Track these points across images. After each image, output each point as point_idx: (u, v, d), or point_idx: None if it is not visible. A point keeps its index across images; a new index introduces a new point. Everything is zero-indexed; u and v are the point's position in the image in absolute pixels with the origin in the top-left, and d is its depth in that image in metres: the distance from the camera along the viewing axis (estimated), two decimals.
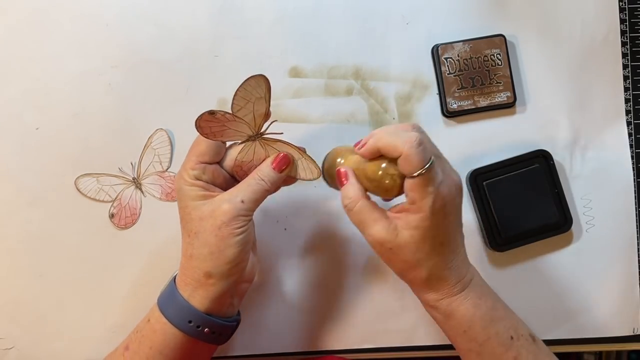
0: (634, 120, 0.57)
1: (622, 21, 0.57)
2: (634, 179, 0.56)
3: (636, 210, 0.57)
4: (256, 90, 0.45)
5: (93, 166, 0.55)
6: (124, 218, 0.55)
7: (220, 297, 0.44)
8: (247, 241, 0.44)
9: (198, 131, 0.43)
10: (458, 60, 0.55)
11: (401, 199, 0.43)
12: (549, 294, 0.56)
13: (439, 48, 0.55)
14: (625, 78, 0.57)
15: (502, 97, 0.55)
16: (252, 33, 0.56)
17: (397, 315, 0.56)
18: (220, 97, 0.55)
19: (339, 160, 0.46)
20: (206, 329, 0.44)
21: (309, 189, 0.55)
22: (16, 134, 0.55)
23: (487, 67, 0.55)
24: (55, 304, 0.55)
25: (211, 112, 0.43)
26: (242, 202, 0.43)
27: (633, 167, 0.57)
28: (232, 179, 0.46)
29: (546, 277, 0.56)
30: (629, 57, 0.57)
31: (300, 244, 0.56)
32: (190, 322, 0.43)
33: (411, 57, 0.56)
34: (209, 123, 0.43)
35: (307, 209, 0.55)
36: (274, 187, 0.45)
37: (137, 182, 0.55)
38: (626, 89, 0.57)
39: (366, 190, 0.44)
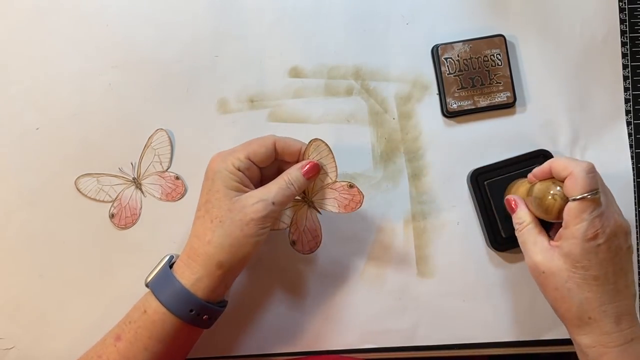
0: (634, 120, 0.57)
1: (622, 21, 0.57)
2: (634, 179, 0.56)
3: (636, 210, 0.57)
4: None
5: (93, 166, 0.55)
6: (124, 218, 0.55)
7: (220, 288, 0.45)
8: (263, 242, 0.45)
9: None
10: (458, 61, 0.55)
11: None
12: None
13: (439, 48, 0.55)
14: (625, 78, 0.57)
15: (502, 97, 0.55)
16: (252, 33, 0.56)
17: (397, 315, 0.56)
18: (220, 97, 0.55)
19: (512, 188, 0.51)
20: (205, 316, 0.45)
21: None
22: (16, 134, 0.55)
23: (487, 67, 0.55)
24: (55, 304, 0.55)
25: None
26: (274, 204, 0.44)
27: (633, 167, 0.57)
28: (261, 182, 0.48)
29: None
30: (629, 57, 0.57)
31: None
32: (191, 310, 0.44)
33: (411, 57, 0.56)
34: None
35: None
36: (298, 193, 0.46)
37: (137, 182, 0.55)
38: (626, 89, 0.57)
39: (533, 212, 0.47)
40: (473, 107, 0.55)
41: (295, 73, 0.56)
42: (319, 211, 0.50)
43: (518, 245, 0.54)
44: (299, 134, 0.55)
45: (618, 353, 0.42)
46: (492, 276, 0.56)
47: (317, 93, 0.56)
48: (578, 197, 0.41)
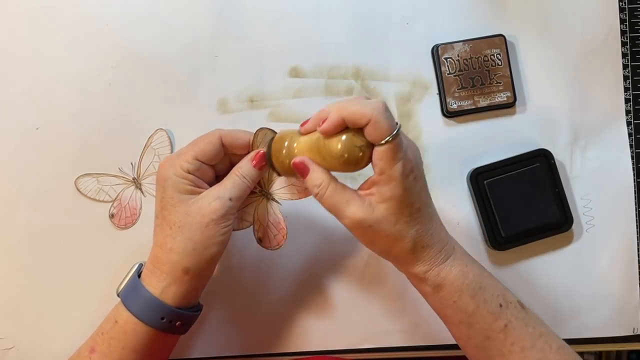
0: (634, 120, 0.57)
1: (622, 21, 0.57)
2: (634, 179, 0.57)
3: (636, 210, 0.57)
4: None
5: (93, 166, 0.55)
6: (124, 218, 0.55)
7: (191, 293, 0.44)
8: (228, 239, 0.44)
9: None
10: (458, 60, 0.55)
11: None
12: (548, 294, 0.56)
13: (439, 48, 0.55)
14: (625, 78, 0.57)
15: (502, 97, 0.55)
16: (252, 33, 0.56)
17: (397, 315, 0.56)
18: (220, 97, 0.55)
19: (285, 144, 0.43)
20: (178, 323, 0.44)
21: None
22: (16, 134, 0.55)
23: (487, 67, 0.55)
24: (55, 304, 0.55)
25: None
26: (231, 200, 0.43)
27: (633, 167, 0.57)
28: (215, 179, 0.47)
29: (546, 276, 0.56)
30: (629, 57, 0.57)
31: (300, 243, 0.56)
32: (162, 318, 0.43)
33: (411, 57, 0.56)
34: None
35: (308, 208, 0.55)
36: (253, 185, 0.45)
37: (137, 182, 0.55)
38: (626, 89, 0.57)
39: (329, 169, 0.42)
40: (473, 107, 0.55)
41: (295, 73, 0.56)
42: (279, 202, 0.49)
43: (518, 245, 0.55)
44: None
45: (451, 263, 0.43)
46: None
47: (317, 93, 0.56)
48: (386, 141, 0.39)
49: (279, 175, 0.45)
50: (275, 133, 0.45)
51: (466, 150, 0.56)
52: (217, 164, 0.46)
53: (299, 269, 0.55)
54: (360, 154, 0.40)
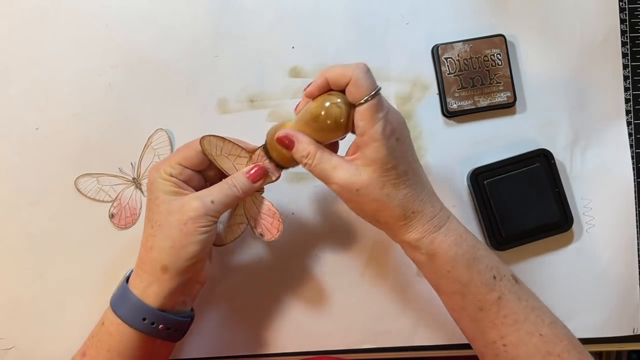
0: (634, 120, 0.57)
1: (622, 21, 0.57)
2: (634, 179, 0.56)
3: (636, 210, 0.57)
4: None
5: (93, 166, 0.55)
6: (124, 218, 0.55)
7: (173, 294, 0.44)
8: (209, 242, 0.44)
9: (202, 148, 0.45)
10: (458, 60, 0.55)
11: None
12: (548, 294, 0.56)
13: (439, 48, 0.55)
14: (625, 78, 0.57)
15: (502, 97, 0.55)
16: (252, 33, 0.56)
17: (397, 315, 0.56)
18: (220, 97, 0.55)
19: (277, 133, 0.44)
20: (161, 326, 0.44)
21: (310, 188, 0.55)
22: (16, 134, 0.55)
23: (487, 67, 0.55)
24: (55, 304, 0.55)
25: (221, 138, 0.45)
26: (212, 202, 0.43)
27: (633, 167, 0.57)
28: (206, 186, 0.47)
29: (546, 276, 0.56)
30: (629, 57, 0.57)
31: (300, 244, 0.56)
32: (144, 319, 0.43)
33: (411, 57, 0.56)
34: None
35: (307, 208, 0.55)
36: (244, 195, 0.45)
37: (137, 182, 0.55)
38: (626, 89, 0.57)
39: (316, 140, 0.43)
40: (473, 107, 0.55)
41: (295, 73, 0.56)
42: (261, 193, 0.48)
43: (518, 245, 0.55)
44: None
45: (445, 232, 0.43)
46: None
47: None
48: (366, 100, 0.39)
49: (280, 167, 0.46)
50: (218, 137, 0.45)
51: (466, 150, 0.56)
52: (207, 172, 0.47)
53: (299, 269, 0.55)
54: (339, 110, 0.41)
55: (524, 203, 0.54)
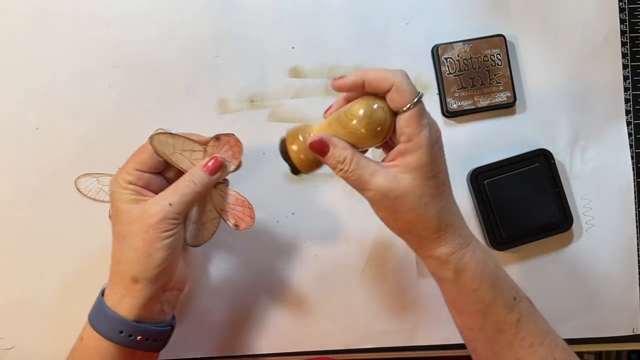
0: (634, 120, 0.57)
1: (622, 21, 0.57)
2: (634, 179, 0.57)
3: (636, 210, 0.57)
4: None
5: (93, 166, 0.55)
6: None
7: (147, 304, 0.43)
8: (176, 245, 0.43)
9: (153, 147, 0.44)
10: (458, 60, 0.55)
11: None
12: (548, 294, 0.56)
13: (439, 48, 0.55)
14: (625, 78, 0.57)
15: (502, 97, 0.55)
16: (252, 33, 0.56)
17: (397, 315, 0.56)
18: (220, 97, 0.55)
19: (299, 138, 0.42)
20: (139, 337, 0.43)
21: (309, 189, 0.55)
22: (16, 134, 0.55)
23: (487, 67, 0.55)
24: (55, 304, 0.55)
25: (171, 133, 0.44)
26: (170, 205, 0.42)
27: (633, 167, 0.57)
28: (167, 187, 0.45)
29: (546, 276, 0.56)
30: (629, 57, 0.57)
31: (300, 244, 0.56)
32: (121, 332, 0.42)
33: (411, 57, 0.56)
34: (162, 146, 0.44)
35: (307, 209, 0.55)
36: (205, 189, 0.44)
37: None
38: (626, 89, 0.57)
39: (352, 143, 0.40)
40: (473, 107, 0.55)
41: (295, 73, 0.56)
42: (224, 183, 0.47)
43: (518, 245, 0.55)
44: None
45: (473, 247, 0.42)
46: None
47: (317, 93, 0.56)
48: (410, 106, 0.38)
49: (297, 173, 0.43)
50: (166, 132, 0.44)
51: (466, 150, 0.56)
52: (166, 173, 0.46)
53: (299, 268, 0.55)
54: (384, 115, 0.39)
55: (524, 203, 0.54)
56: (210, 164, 0.44)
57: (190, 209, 0.46)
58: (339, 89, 0.41)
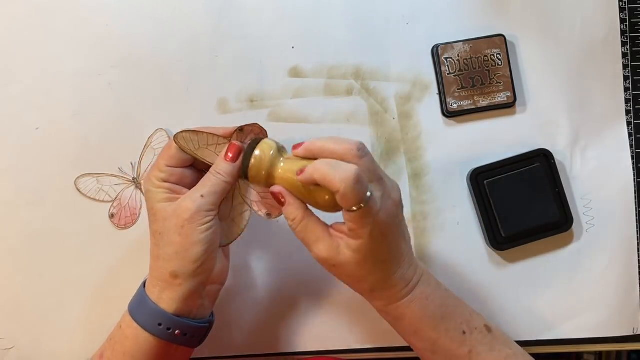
0: (634, 120, 0.57)
1: (622, 21, 0.57)
2: (634, 179, 0.57)
3: (636, 210, 0.57)
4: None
5: (93, 166, 0.55)
6: (124, 218, 0.55)
7: (188, 298, 0.43)
8: (213, 240, 0.43)
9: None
10: (458, 60, 0.55)
11: None
12: (548, 294, 0.56)
13: (439, 48, 0.55)
14: (625, 78, 0.57)
15: (502, 97, 0.55)
16: (252, 33, 0.56)
17: None
18: (221, 97, 0.55)
19: (271, 152, 0.43)
20: (177, 331, 0.43)
21: None
22: (16, 134, 0.55)
23: (487, 67, 0.55)
24: (55, 304, 0.55)
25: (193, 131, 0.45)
26: (202, 196, 0.43)
27: (633, 167, 0.57)
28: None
29: (546, 276, 0.56)
30: (629, 57, 0.57)
31: (300, 243, 0.55)
32: (160, 324, 0.43)
33: (411, 57, 0.56)
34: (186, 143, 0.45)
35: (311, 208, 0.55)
36: (232, 179, 0.44)
37: (137, 182, 0.55)
38: (626, 89, 0.57)
39: (305, 202, 0.43)
40: (473, 107, 0.55)
41: (295, 73, 0.56)
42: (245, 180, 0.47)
43: (518, 245, 0.55)
44: (299, 134, 0.55)
45: (410, 298, 0.44)
46: (492, 276, 0.56)
47: (317, 93, 0.56)
48: (354, 209, 0.39)
49: (247, 180, 0.44)
50: (193, 131, 0.45)
51: (466, 150, 0.56)
52: (198, 165, 0.47)
53: (299, 268, 0.55)
54: (333, 199, 0.40)
55: (524, 203, 0.54)
56: (229, 152, 0.45)
57: (222, 200, 0.46)
58: (301, 182, 0.42)
